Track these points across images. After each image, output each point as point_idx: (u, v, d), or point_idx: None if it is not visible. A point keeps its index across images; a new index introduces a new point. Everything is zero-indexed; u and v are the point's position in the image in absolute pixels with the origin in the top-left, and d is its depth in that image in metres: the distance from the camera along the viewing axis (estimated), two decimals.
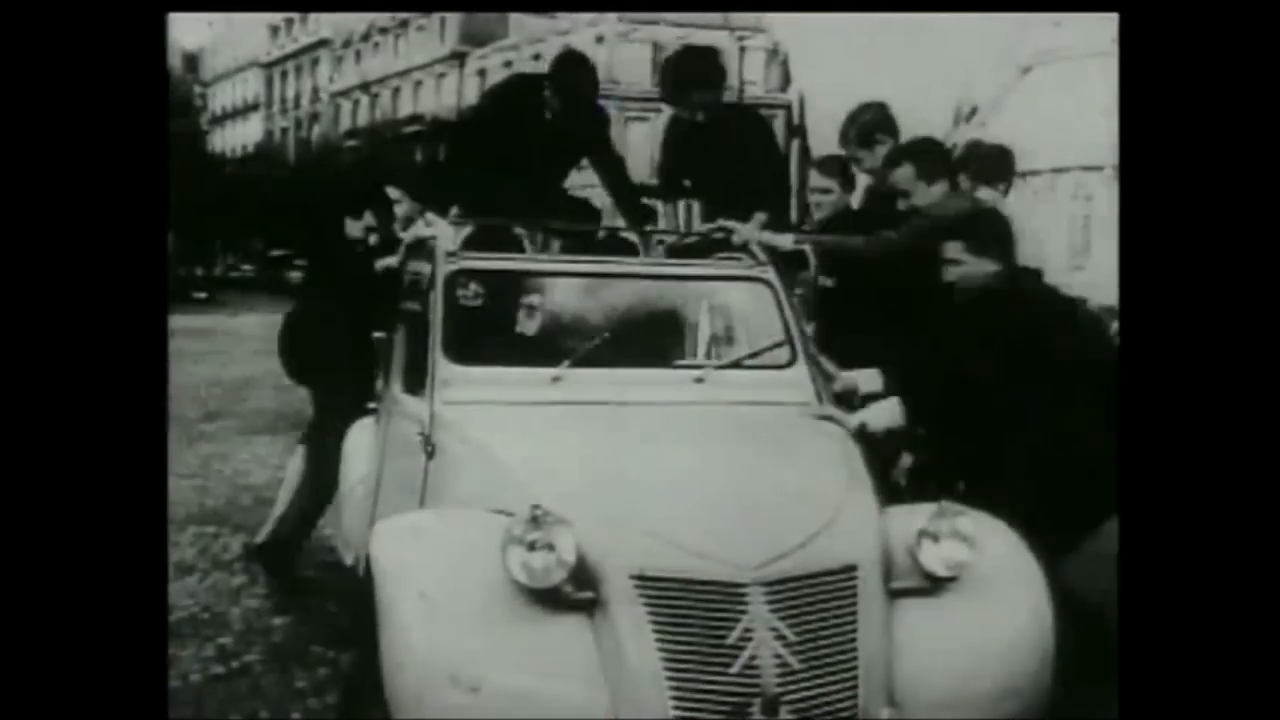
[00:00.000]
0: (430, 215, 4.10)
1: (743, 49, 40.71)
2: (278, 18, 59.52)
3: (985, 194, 4.45)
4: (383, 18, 53.54)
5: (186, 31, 62.45)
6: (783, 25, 44.01)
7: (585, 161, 5.04)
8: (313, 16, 57.28)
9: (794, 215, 5.22)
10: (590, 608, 2.63)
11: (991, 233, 3.65)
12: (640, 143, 43.81)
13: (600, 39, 44.04)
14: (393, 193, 5.08)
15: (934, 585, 2.84)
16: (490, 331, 3.90)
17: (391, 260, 4.54)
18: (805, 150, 43.58)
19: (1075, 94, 35.12)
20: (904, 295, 3.87)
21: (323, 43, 57.51)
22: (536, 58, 43.86)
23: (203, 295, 36.81)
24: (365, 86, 54.23)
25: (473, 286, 3.75)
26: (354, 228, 5.10)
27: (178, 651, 4.22)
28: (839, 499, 2.94)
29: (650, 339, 3.96)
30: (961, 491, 3.26)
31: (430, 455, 3.43)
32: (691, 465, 3.08)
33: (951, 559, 2.82)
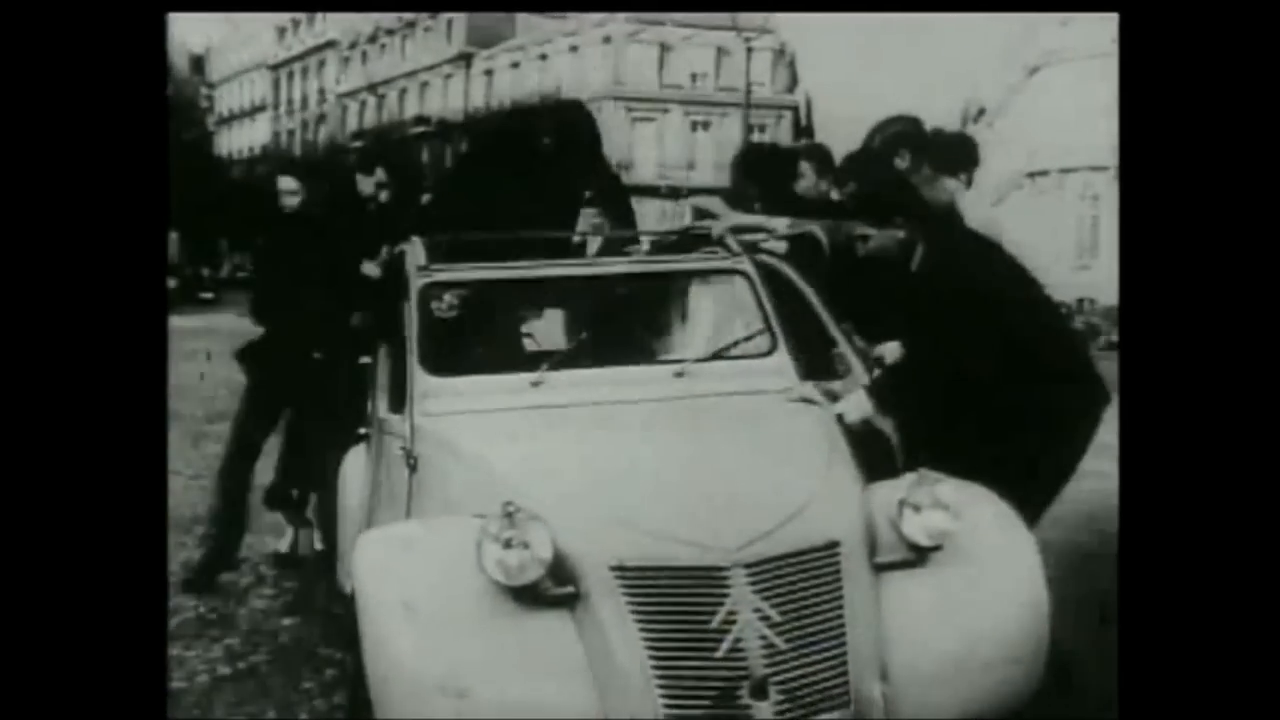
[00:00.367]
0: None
1: (750, 50, 40.66)
2: (284, 19, 59.58)
3: (949, 184, 4.41)
4: (389, 19, 53.57)
5: (192, 33, 62.64)
6: (789, 26, 44.02)
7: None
8: (319, 18, 57.34)
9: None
10: (571, 603, 2.62)
11: (892, 204, 3.69)
12: (646, 142, 44.03)
13: (607, 39, 44.08)
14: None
15: (919, 556, 2.82)
16: (468, 340, 3.90)
17: (374, 270, 4.56)
18: None
19: (1083, 94, 35.05)
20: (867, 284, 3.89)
21: (329, 44, 57.56)
22: (543, 58, 43.93)
23: (209, 295, 36.84)
24: (372, 88, 54.28)
25: (447, 298, 3.74)
26: (365, 184, 5.14)
27: (184, 652, 4.24)
28: (818, 477, 2.93)
29: (630, 337, 3.95)
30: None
31: (413, 469, 3.42)
32: (668, 456, 3.07)
33: (934, 528, 2.80)
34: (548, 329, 4.19)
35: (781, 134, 42.79)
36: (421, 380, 3.49)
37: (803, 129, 44.52)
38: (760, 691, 2.51)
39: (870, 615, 2.70)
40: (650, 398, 3.50)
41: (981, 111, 41.97)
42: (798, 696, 2.54)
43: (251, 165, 54.85)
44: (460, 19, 49.64)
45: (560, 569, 2.62)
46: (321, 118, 58.39)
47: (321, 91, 58.41)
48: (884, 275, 3.64)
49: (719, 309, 3.98)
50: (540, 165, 4.75)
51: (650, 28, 43.81)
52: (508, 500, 2.63)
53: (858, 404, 3.44)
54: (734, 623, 2.55)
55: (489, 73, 48.94)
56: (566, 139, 4.73)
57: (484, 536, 2.60)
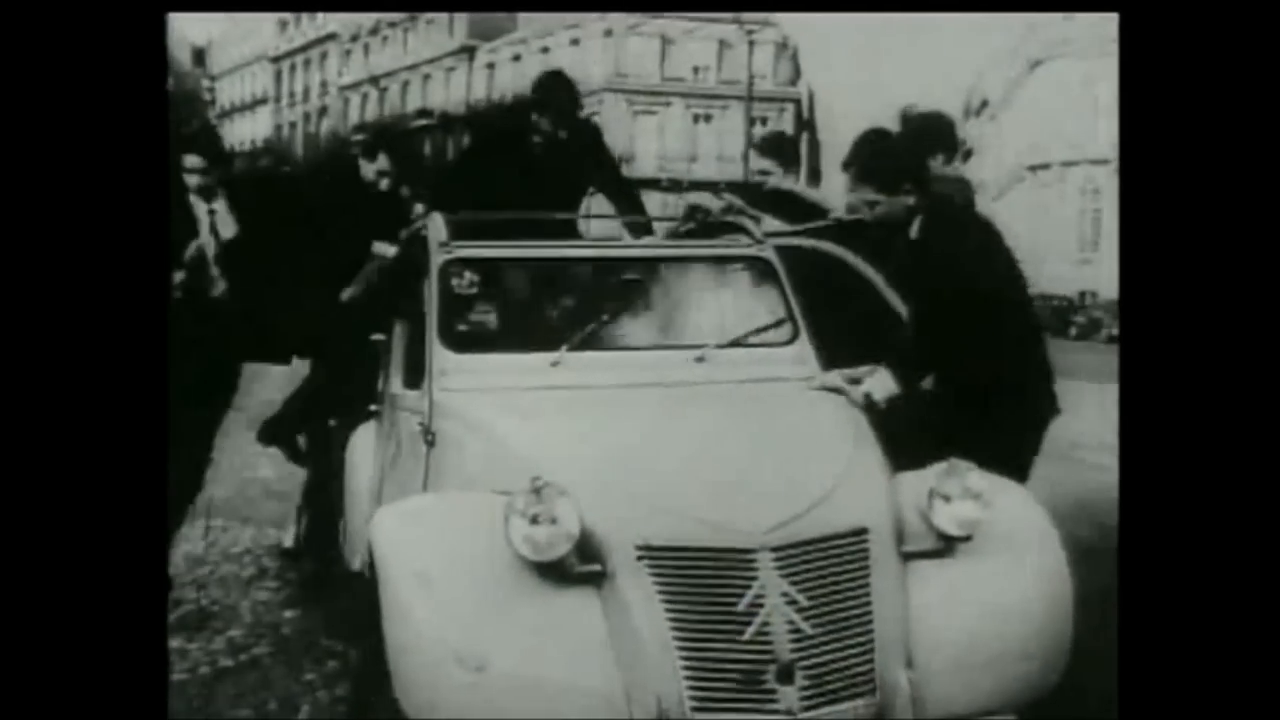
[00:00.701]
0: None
1: (752, 43, 40.61)
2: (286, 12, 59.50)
3: (951, 169, 4.41)
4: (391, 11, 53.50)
5: (194, 26, 62.54)
6: (791, 20, 43.95)
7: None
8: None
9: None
10: (597, 581, 2.60)
11: (900, 170, 3.68)
12: (648, 135, 43.97)
13: (609, 32, 44.00)
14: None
15: (948, 546, 2.81)
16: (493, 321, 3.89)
17: (388, 250, 4.56)
18: (815, 143, 43.57)
19: (1084, 88, 35.03)
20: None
21: (331, 37, 57.46)
22: (545, 50, 43.86)
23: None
24: (374, 80, 54.20)
25: (467, 275, 3.73)
26: (368, 169, 5.12)
27: (186, 644, 4.25)
28: (846, 464, 2.91)
29: (650, 321, 3.94)
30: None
31: (431, 444, 3.41)
32: (692, 438, 3.06)
33: (964, 517, 2.80)
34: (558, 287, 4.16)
35: (784, 127, 42.74)
36: (441, 356, 3.48)
37: (805, 122, 44.50)
38: (786, 676, 2.49)
39: (897, 603, 2.69)
40: (670, 381, 3.48)
41: (984, 104, 41.93)
42: (823, 682, 2.52)
43: (253, 158, 54.78)
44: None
45: (586, 547, 2.59)
46: (323, 110, 58.31)
47: (323, 84, 58.33)
48: (885, 241, 3.70)
49: (740, 296, 3.97)
50: (541, 158, 4.77)
51: (651, 21, 43.73)
52: (535, 475, 2.61)
53: (882, 382, 3.44)
54: (761, 606, 2.53)
55: (491, 65, 48.88)
56: (566, 128, 4.76)
57: (511, 511, 2.58)
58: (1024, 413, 3.61)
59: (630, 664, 2.50)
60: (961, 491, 2.80)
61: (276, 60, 61.13)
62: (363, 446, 4.42)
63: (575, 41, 44.93)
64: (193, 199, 4.64)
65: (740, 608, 2.53)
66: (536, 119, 4.77)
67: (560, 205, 4.55)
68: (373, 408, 4.44)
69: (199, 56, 64.28)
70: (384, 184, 5.11)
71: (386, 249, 4.65)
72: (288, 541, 5.51)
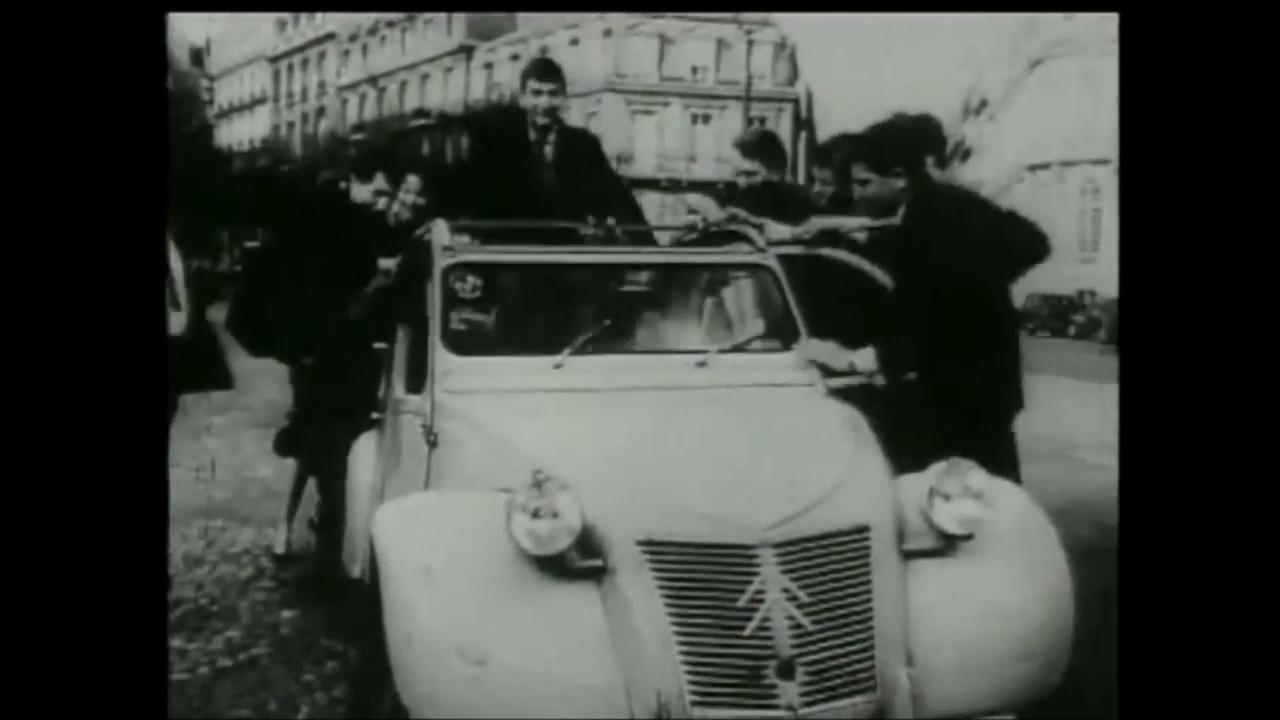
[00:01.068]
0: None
1: (750, 43, 40.64)
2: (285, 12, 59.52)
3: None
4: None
5: (194, 26, 62.56)
6: (789, 19, 44.00)
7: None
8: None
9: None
10: (598, 576, 2.60)
11: (896, 151, 3.77)
12: (646, 135, 43.99)
13: (608, 32, 44.02)
14: None
15: (948, 545, 2.83)
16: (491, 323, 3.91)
17: (390, 263, 4.55)
18: (813, 144, 43.59)
19: (1084, 88, 35.05)
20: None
21: (329, 37, 57.47)
22: (544, 50, 43.86)
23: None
24: (372, 80, 54.21)
25: (470, 279, 3.75)
26: (362, 191, 4.88)
27: (185, 644, 4.25)
28: (848, 464, 2.92)
29: (652, 326, 3.96)
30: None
31: (432, 445, 3.42)
32: (694, 437, 3.07)
33: (965, 516, 2.80)
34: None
35: (782, 127, 42.76)
36: (443, 358, 3.49)
37: (803, 122, 44.51)
38: (787, 672, 2.49)
39: (897, 601, 2.70)
40: (672, 385, 3.50)
41: (984, 104, 41.96)
42: (824, 678, 2.52)
43: (252, 158, 54.79)
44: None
45: (587, 542, 2.60)
46: (321, 110, 58.31)
47: (322, 84, 58.33)
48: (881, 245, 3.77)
49: (742, 303, 4.00)
50: (540, 164, 4.78)
51: (650, 20, 43.76)
52: (537, 469, 2.61)
53: (867, 357, 3.53)
54: (762, 602, 2.53)
55: (489, 65, 48.87)
56: (570, 149, 4.79)
57: (513, 505, 2.58)
58: (990, 404, 3.67)
59: (631, 659, 2.50)
60: (962, 490, 2.81)
61: (275, 60, 61.14)
62: (364, 453, 4.43)
63: (574, 41, 44.93)
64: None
65: (741, 603, 2.53)
66: (531, 95, 4.76)
67: (563, 217, 4.57)
68: (374, 416, 4.45)
69: (198, 56, 64.29)
70: (382, 204, 4.91)
71: (389, 263, 4.63)
72: (279, 548, 5.48)
